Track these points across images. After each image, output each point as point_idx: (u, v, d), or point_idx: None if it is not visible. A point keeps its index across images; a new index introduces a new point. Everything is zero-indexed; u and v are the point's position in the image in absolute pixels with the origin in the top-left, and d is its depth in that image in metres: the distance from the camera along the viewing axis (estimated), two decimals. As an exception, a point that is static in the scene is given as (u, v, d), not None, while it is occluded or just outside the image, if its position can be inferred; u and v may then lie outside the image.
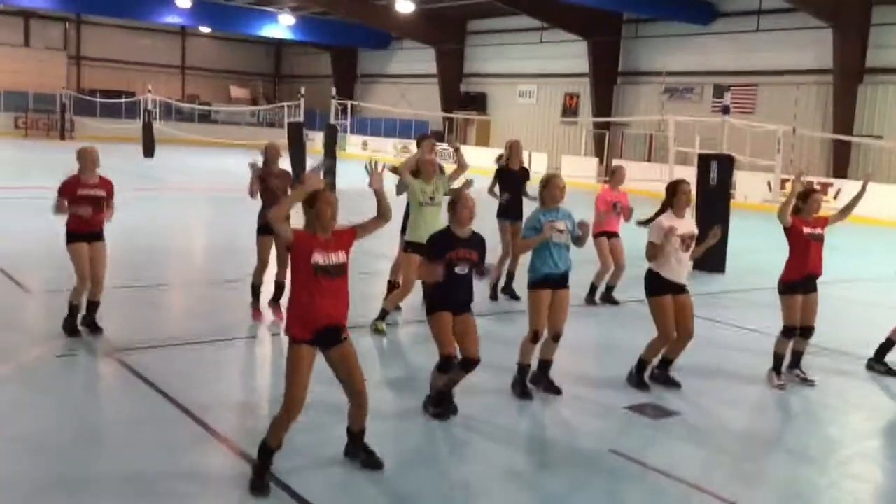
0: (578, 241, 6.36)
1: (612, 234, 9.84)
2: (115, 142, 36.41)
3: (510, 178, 9.55)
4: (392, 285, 8.88)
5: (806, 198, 7.00)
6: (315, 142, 30.88)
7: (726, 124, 14.24)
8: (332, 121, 26.82)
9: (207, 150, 34.76)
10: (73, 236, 7.13)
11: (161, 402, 5.85)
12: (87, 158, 7.15)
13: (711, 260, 12.67)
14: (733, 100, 25.59)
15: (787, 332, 7.00)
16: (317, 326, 4.50)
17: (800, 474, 5.35)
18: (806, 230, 6.93)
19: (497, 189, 9.67)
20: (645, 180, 22.08)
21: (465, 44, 39.18)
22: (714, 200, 13.08)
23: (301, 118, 25.36)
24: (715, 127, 16.60)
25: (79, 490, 4.50)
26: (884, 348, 7.57)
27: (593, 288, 9.88)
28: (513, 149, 9.73)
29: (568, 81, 34.51)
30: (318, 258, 4.47)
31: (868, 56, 25.41)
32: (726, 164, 13.13)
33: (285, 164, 22.08)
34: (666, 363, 6.83)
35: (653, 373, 6.83)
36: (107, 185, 7.30)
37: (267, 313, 8.15)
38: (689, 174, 15.82)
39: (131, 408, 5.77)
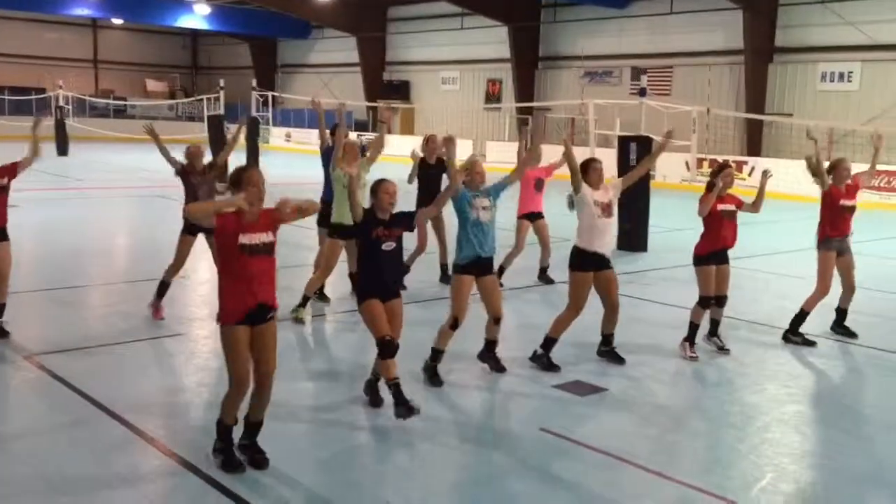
0: (511, 176, 6.70)
1: (537, 216, 9.96)
2: (27, 140, 35.09)
3: (429, 170, 9.65)
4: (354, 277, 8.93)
5: (718, 173, 7.26)
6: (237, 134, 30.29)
7: (644, 106, 14.56)
8: (254, 113, 26.41)
9: (125, 146, 33.78)
10: None
11: (82, 403, 5.70)
12: None
13: (635, 239, 13.00)
14: (650, 82, 26.28)
15: (703, 301, 7.27)
16: (248, 307, 4.50)
17: (721, 441, 5.55)
18: (719, 206, 7.20)
19: (415, 178, 9.75)
20: (564, 166, 22.34)
21: (386, 31, 38.98)
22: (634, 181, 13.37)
23: (221, 111, 24.90)
24: (633, 109, 16.99)
25: (-1, 499, 4.36)
26: (798, 319, 7.87)
27: (501, 269, 9.95)
28: (429, 143, 9.88)
29: (490, 67, 34.71)
30: (245, 238, 4.45)
31: (777, 36, 26.28)
32: (645, 146, 13.44)
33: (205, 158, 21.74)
34: (608, 339, 7.06)
35: (599, 350, 7.09)
36: (6, 170, 7.07)
37: (164, 311, 7.98)
38: (610, 156, 16.17)
39: (51, 411, 5.61)
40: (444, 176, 9.58)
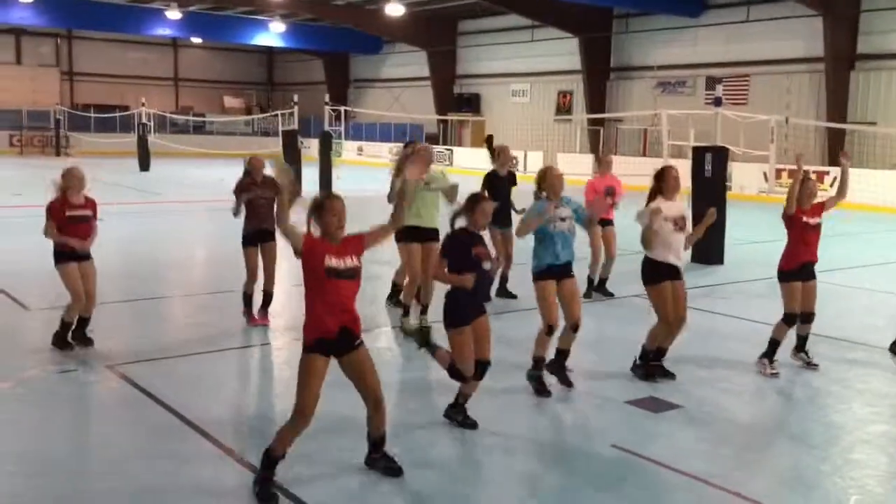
0: (589, 222, 6.57)
1: (606, 223, 9.84)
2: (111, 156, 36.48)
3: (499, 183, 9.47)
4: (396, 287, 8.98)
5: (801, 184, 7.05)
6: (311, 149, 30.87)
7: (719, 116, 14.25)
8: (327, 127, 26.80)
9: (203, 161, 34.76)
10: (61, 256, 7.12)
11: (162, 413, 5.86)
12: (73, 177, 7.08)
13: (710, 251, 12.71)
14: (725, 91, 25.61)
15: (788, 318, 7.05)
16: (330, 332, 4.46)
17: (802, 461, 5.35)
18: (804, 218, 7.00)
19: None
20: (640, 175, 22.06)
21: (456, 45, 39.22)
22: (710, 192, 13.11)
23: (295, 126, 25.37)
24: (708, 119, 16.63)
25: (83, 505, 4.50)
26: None
27: (590, 281, 9.90)
28: (502, 154, 9.69)
29: (561, 79, 34.55)
30: (331, 261, 4.45)
31: (859, 42, 25.45)
32: (721, 156, 13.17)
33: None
34: (660, 353, 6.84)
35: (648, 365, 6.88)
36: (92, 205, 7.26)
37: (261, 318, 8.19)
38: (684, 167, 15.86)
39: (133, 421, 5.77)
40: (514, 189, 9.59)
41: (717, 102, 14.57)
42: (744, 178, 24.09)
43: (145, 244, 13.96)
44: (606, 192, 9.85)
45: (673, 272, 6.66)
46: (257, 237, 8.04)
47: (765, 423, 6.14)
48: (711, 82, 27.98)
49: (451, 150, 36.33)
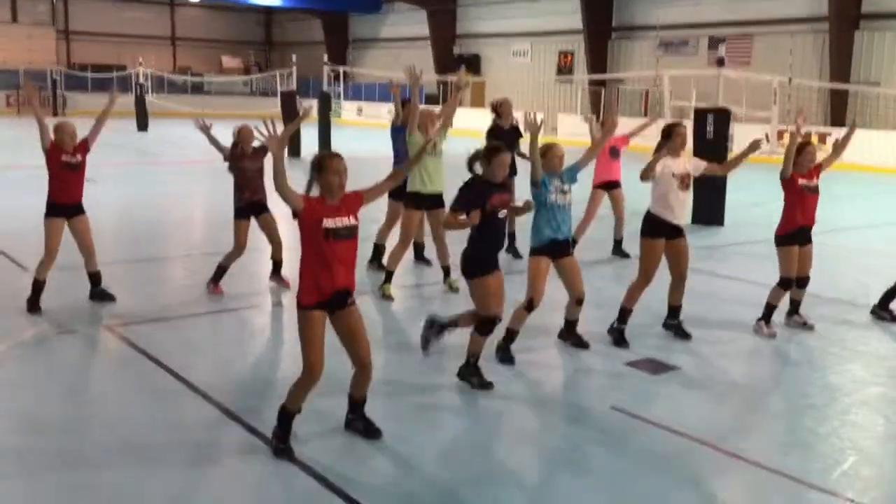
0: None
1: (613, 185, 9.84)
2: (109, 116, 36.17)
3: (502, 136, 9.43)
4: (378, 249, 8.95)
5: (800, 151, 7.00)
6: (310, 110, 30.67)
7: (722, 77, 14.12)
8: (326, 88, 26.57)
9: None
10: (52, 209, 7.17)
11: (162, 375, 5.87)
12: (65, 132, 7.20)
13: (711, 213, 12.69)
14: (728, 51, 25.45)
15: (784, 283, 7.05)
16: (327, 292, 4.47)
17: (800, 423, 5.38)
18: (801, 181, 6.97)
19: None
20: (642, 136, 21.96)
21: (456, 4, 38.75)
22: (711, 154, 13.02)
23: (294, 86, 25.15)
24: (710, 80, 16.49)
25: (79, 464, 4.52)
26: (889, 295, 7.57)
27: (573, 242, 9.80)
28: (503, 107, 9.66)
29: (562, 39, 34.20)
30: (329, 222, 4.43)
31: (864, 1, 25.13)
32: (723, 118, 13.07)
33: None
34: (675, 311, 6.90)
35: (666, 322, 6.94)
36: (83, 147, 7.32)
37: (225, 289, 7.99)
38: (687, 128, 15.77)
39: (132, 382, 5.78)
40: (520, 142, 9.52)
41: (720, 63, 14.43)
42: (746, 139, 23.87)
43: (144, 205, 13.91)
44: (611, 152, 9.83)
45: (672, 231, 6.62)
46: (250, 210, 7.86)
47: (763, 385, 6.16)
48: (714, 42, 27.72)
49: (451, 111, 36.03)
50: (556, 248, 6.16)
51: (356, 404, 4.87)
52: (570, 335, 6.61)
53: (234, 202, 7.94)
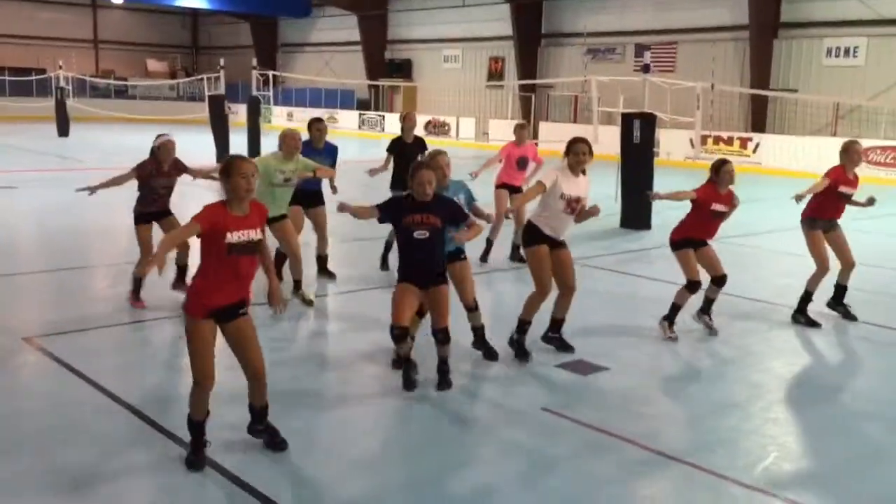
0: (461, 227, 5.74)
1: (516, 189, 9.89)
2: (27, 121, 35.05)
3: (405, 150, 9.30)
4: (280, 255, 8.80)
5: (717, 170, 6.92)
6: (238, 115, 30.19)
7: (647, 83, 14.42)
8: (255, 92, 26.22)
9: (126, 126, 33.65)
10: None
11: (82, 386, 5.66)
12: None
13: (637, 217, 12.93)
14: (653, 58, 26.03)
15: (691, 285, 7.01)
16: (220, 304, 4.35)
17: (725, 421, 5.49)
18: (714, 206, 6.94)
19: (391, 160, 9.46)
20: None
21: (387, 9, 38.70)
22: (638, 158, 13.30)
23: (222, 91, 24.73)
24: (637, 86, 16.83)
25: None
26: (804, 300, 7.73)
27: (489, 243, 9.88)
28: (407, 121, 9.62)
29: (492, 45, 34.48)
30: (232, 236, 4.28)
31: (782, 11, 26.03)
32: (649, 123, 13.35)
33: (207, 139, 21.61)
34: (557, 324, 6.60)
35: (546, 336, 6.65)
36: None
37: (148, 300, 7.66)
38: (614, 134, 16.04)
39: (51, 396, 5.57)
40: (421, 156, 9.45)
41: (646, 69, 14.74)
42: (671, 144, 24.53)
43: (65, 213, 13.47)
44: (518, 162, 9.90)
45: (552, 241, 6.33)
46: (152, 216, 7.53)
47: (688, 384, 6.29)
48: (640, 49, 28.32)
49: (383, 116, 36.00)
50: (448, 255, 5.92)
51: (258, 413, 4.68)
52: (479, 344, 6.41)
53: (135, 209, 7.61)
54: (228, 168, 4.37)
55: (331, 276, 8.88)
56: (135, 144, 26.79)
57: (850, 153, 7.56)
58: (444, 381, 5.72)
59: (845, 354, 7.35)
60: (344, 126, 36.35)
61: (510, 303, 6.59)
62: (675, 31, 28.28)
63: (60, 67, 31.78)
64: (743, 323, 7.61)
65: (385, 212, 5.51)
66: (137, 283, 7.61)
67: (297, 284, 7.90)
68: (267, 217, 4.59)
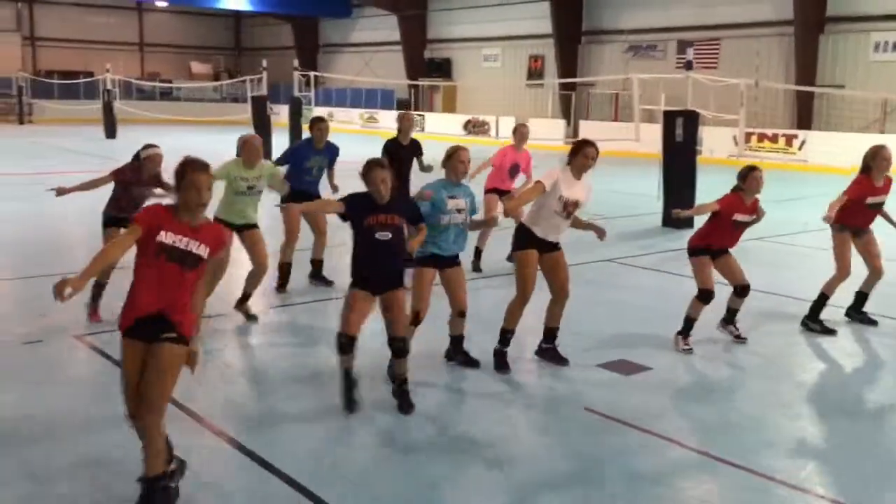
0: (474, 225, 5.96)
1: (504, 193, 9.43)
2: (76, 124, 35.81)
3: (399, 151, 8.99)
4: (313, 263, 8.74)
5: (745, 177, 6.61)
6: (280, 115, 30.53)
7: (690, 80, 14.27)
8: (296, 93, 26.50)
9: (170, 128, 34.20)
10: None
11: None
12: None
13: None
14: (696, 55, 25.74)
15: (703, 295, 6.64)
16: (138, 314, 3.85)
17: (771, 422, 5.43)
18: (737, 216, 6.65)
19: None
20: (612, 140, 22.12)
21: (427, 9, 38.80)
22: (680, 157, 13.18)
23: (264, 92, 25.04)
24: (679, 83, 16.66)
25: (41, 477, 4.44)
26: (818, 304, 7.33)
27: (478, 251, 9.53)
28: (403, 122, 9.23)
29: (532, 43, 34.38)
30: (166, 236, 3.80)
31: (828, 5, 25.56)
32: (691, 120, 13.21)
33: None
34: (550, 334, 6.32)
35: (540, 348, 6.36)
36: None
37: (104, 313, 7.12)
38: (655, 132, 15.92)
39: (101, 393, 5.69)
40: (415, 159, 9.10)
41: (688, 66, 14.59)
42: (714, 142, 24.23)
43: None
44: (510, 170, 9.54)
45: (543, 244, 6.06)
46: (121, 222, 6.97)
47: (734, 384, 6.23)
48: (682, 46, 28.02)
49: (423, 116, 36.13)
50: (442, 261, 5.83)
51: (146, 478, 3.94)
52: (457, 352, 6.21)
53: (104, 212, 7.21)
54: (181, 174, 3.87)
55: (328, 283, 8.55)
56: (178, 145, 27.28)
57: (878, 159, 7.12)
58: (406, 403, 5.33)
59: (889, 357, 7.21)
60: (384, 126, 36.52)
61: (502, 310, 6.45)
62: (718, 26, 27.92)
63: (107, 70, 32.40)
64: (790, 324, 7.50)
65: (350, 205, 5.19)
66: (99, 290, 7.15)
67: (246, 297, 7.42)
68: (225, 246, 4.19)
